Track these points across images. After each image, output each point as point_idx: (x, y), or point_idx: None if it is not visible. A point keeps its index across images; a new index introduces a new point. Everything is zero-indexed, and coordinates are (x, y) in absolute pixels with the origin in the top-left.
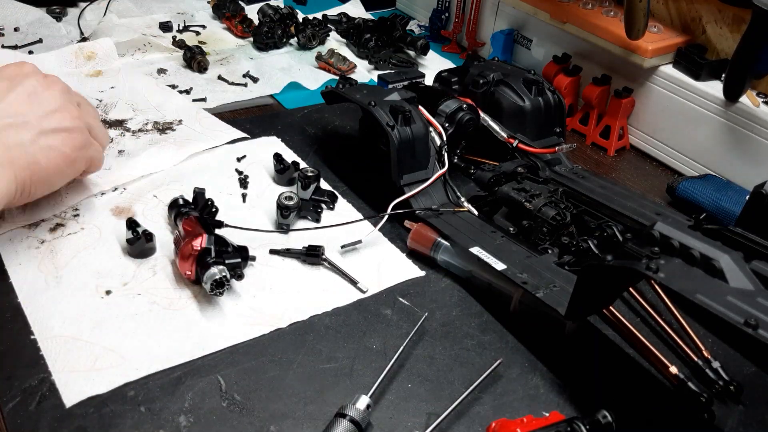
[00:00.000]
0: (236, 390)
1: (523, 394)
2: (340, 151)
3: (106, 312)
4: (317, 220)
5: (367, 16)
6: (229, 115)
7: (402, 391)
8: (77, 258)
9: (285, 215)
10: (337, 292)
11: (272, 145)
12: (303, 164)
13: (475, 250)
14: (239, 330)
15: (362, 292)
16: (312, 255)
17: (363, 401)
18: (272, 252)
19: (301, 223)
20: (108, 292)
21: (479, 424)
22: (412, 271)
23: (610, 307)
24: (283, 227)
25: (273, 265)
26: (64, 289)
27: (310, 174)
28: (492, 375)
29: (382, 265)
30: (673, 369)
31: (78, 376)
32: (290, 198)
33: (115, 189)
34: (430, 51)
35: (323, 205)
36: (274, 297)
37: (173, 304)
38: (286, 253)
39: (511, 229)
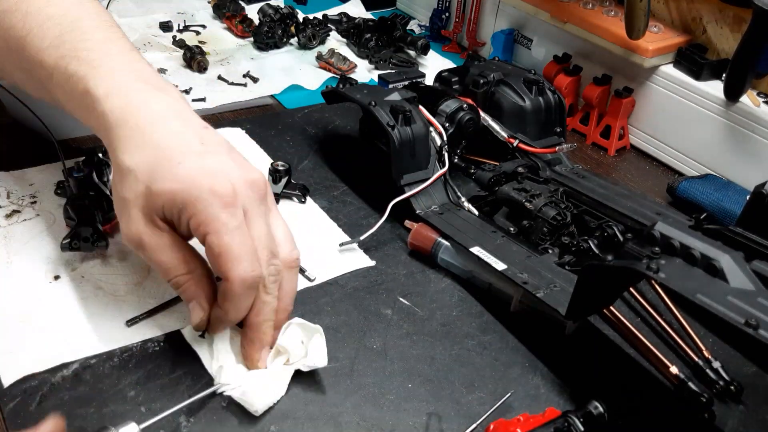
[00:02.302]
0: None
1: (523, 394)
2: (340, 151)
3: (53, 297)
4: None
5: (368, 15)
6: (230, 115)
7: (402, 391)
8: (29, 244)
9: None
10: None
11: (236, 135)
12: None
13: (476, 250)
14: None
15: (310, 280)
16: None
17: (131, 428)
18: None
19: None
20: (56, 278)
21: (479, 424)
22: (362, 260)
23: (611, 307)
24: None
25: None
26: (14, 273)
27: (281, 168)
28: (492, 376)
29: (332, 254)
30: (674, 369)
31: (18, 357)
32: None
33: None
34: (431, 51)
35: (295, 199)
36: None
37: (118, 290)
38: None
39: (512, 229)
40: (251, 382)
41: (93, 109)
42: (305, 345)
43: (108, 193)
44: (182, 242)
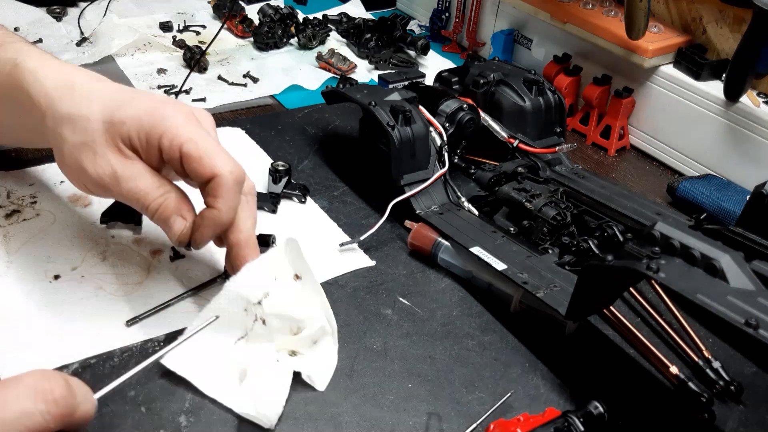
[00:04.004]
0: None
1: (523, 394)
2: (340, 151)
3: (53, 296)
4: (273, 212)
5: (368, 16)
6: (230, 115)
7: (402, 391)
8: (29, 243)
9: None
10: None
11: (235, 135)
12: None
13: (476, 250)
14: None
15: None
16: (262, 244)
17: None
18: None
19: (258, 214)
20: (56, 277)
21: (479, 424)
22: (362, 260)
23: (611, 307)
24: None
25: (222, 253)
26: (14, 273)
27: (281, 168)
28: (492, 376)
29: (332, 254)
30: (674, 369)
31: (18, 357)
32: None
33: None
34: (431, 51)
35: (295, 199)
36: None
37: (118, 290)
38: None
39: (512, 229)
40: (257, 389)
41: (23, 81)
42: (317, 346)
43: None
44: (152, 168)
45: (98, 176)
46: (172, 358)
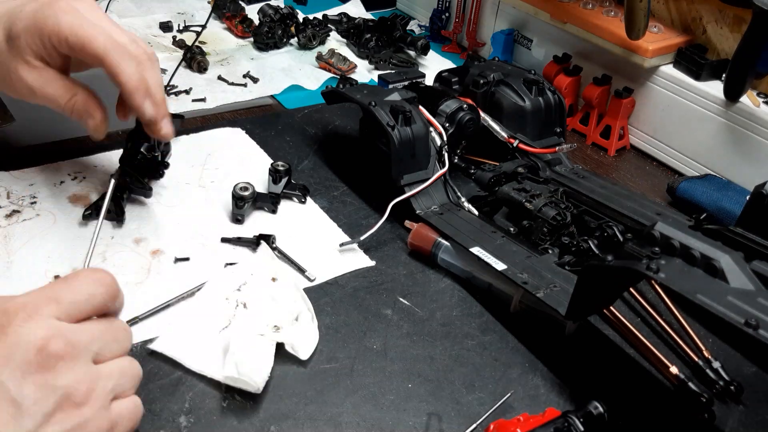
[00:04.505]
0: (236, 390)
1: (523, 394)
2: (340, 151)
3: None
4: (273, 212)
5: (368, 16)
6: (230, 115)
7: (402, 391)
8: (30, 243)
9: (240, 206)
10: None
11: (235, 135)
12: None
13: (476, 250)
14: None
15: (310, 280)
16: (262, 243)
17: None
18: (224, 240)
19: (257, 214)
20: (56, 277)
21: (479, 424)
22: (362, 261)
23: (611, 307)
24: (238, 218)
25: (222, 253)
26: (14, 273)
27: (281, 168)
28: (492, 376)
29: (332, 254)
30: (674, 369)
31: None
32: (245, 188)
33: (74, 178)
34: (431, 51)
35: (295, 199)
36: None
37: None
38: (237, 241)
39: (512, 229)
40: (240, 356)
41: None
42: (298, 323)
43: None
44: (59, 73)
45: (16, 90)
46: (161, 343)
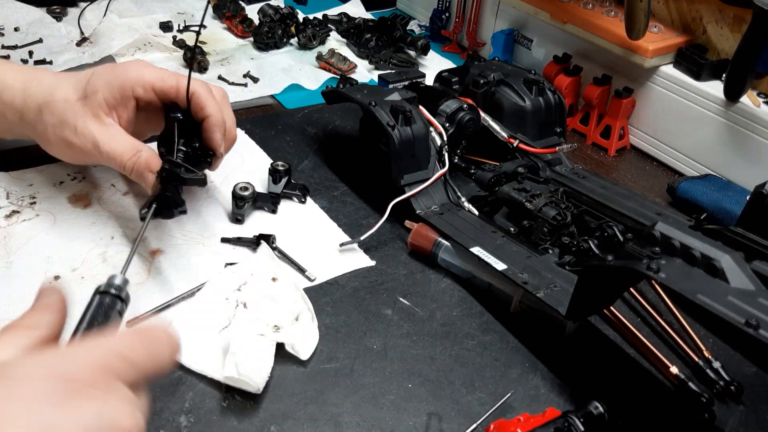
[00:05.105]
0: (236, 390)
1: (523, 394)
2: (340, 151)
3: None
4: (273, 212)
5: (368, 16)
6: None
7: (402, 391)
8: (29, 244)
9: (240, 206)
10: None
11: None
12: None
13: (476, 250)
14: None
15: (310, 280)
16: (262, 243)
17: (118, 278)
18: (224, 240)
19: (257, 214)
20: (56, 278)
21: (479, 424)
22: (362, 261)
23: (611, 307)
24: (238, 218)
25: (222, 253)
26: (14, 273)
27: (281, 168)
28: (492, 376)
29: (332, 254)
30: (674, 369)
31: None
32: (245, 188)
33: (74, 178)
34: (431, 51)
35: (295, 199)
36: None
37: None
38: (237, 241)
39: (512, 229)
40: (241, 356)
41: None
42: (298, 323)
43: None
44: (126, 131)
45: (82, 145)
46: None
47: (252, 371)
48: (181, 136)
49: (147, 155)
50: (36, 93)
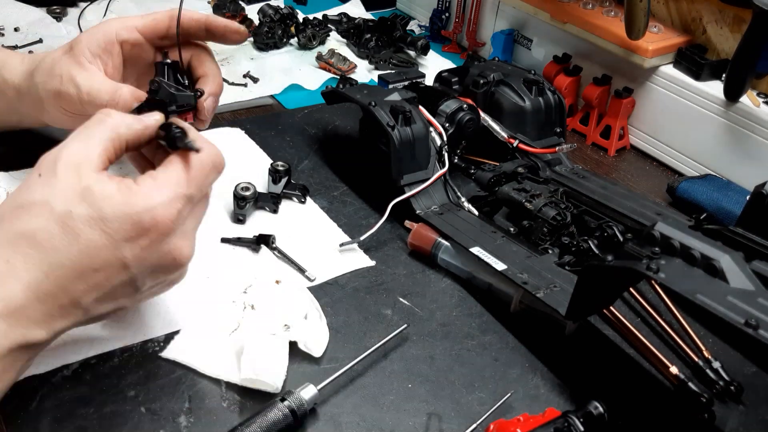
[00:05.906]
0: (236, 390)
1: (523, 394)
2: (340, 151)
3: None
4: (275, 211)
5: (368, 16)
6: (229, 115)
7: (402, 391)
8: None
9: (241, 206)
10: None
11: (235, 135)
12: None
13: (476, 250)
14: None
15: (310, 280)
16: (262, 244)
17: (309, 390)
18: (224, 240)
19: (258, 214)
20: None
21: (479, 424)
22: (362, 261)
23: (611, 307)
24: (239, 218)
25: (222, 254)
26: None
27: (281, 168)
28: (492, 376)
29: (332, 254)
30: (674, 369)
31: None
32: (247, 188)
33: None
34: (431, 51)
35: (295, 199)
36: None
37: None
38: (237, 241)
39: (512, 229)
40: (256, 357)
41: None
42: (307, 321)
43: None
44: (111, 78)
45: (66, 90)
46: (173, 350)
47: (268, 371)
48: (169, 80)
49: (129, 89)
50: (30, 63)
